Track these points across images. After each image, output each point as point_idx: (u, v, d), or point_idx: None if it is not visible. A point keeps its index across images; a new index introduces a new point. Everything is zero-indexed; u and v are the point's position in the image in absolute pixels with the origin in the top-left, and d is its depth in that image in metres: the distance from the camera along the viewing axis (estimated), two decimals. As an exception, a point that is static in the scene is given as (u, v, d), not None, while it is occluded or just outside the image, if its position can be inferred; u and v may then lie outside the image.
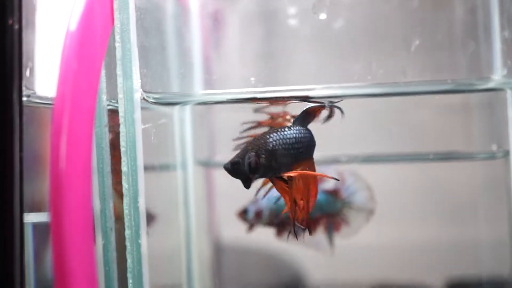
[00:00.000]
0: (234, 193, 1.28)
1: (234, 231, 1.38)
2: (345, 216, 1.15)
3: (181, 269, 1.22)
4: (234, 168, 0.86)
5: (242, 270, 1.45)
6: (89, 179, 0.76)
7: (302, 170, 0.88)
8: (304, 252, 1.19)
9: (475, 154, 1.26)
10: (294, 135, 0.89)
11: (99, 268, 0.89)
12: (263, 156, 0.87)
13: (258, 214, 1.15)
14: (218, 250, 1.45)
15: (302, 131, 0.90)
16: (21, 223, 0.77)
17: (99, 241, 0.90)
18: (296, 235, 0.89)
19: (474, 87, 0.99)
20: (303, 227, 0.88)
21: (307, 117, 0.91)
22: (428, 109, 1.30)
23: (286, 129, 0.90)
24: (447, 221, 1.38)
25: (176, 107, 1.14)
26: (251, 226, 1.17)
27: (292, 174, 0.87)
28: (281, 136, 0.88)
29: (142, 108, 0.91)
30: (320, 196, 1.12)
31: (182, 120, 1.18)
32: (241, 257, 1.47)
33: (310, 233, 0.89)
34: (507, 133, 0.99)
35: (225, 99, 1.00)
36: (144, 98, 0.92)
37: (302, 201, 0.87)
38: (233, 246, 1.47)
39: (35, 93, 0.92)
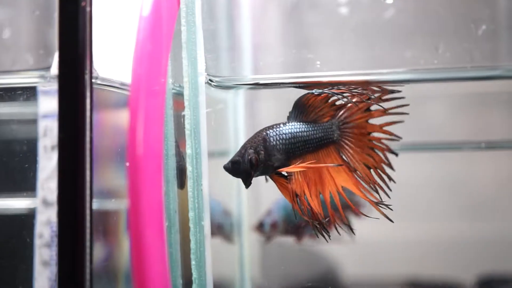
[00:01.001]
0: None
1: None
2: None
3: (234, 259, 1.22)
4: (235, 167, 0.88)
5: (280, 262, 1.46)
6: (161, 162, 0.77)
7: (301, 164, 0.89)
8: (338, 248, 1.19)
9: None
10: (290, 130, 0.90)
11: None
12: (262, 153, 0.88)
13: (274, 225, 1.17)
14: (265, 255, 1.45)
15: (298, 126, 0.90)
16: (91, 207, 0.78)
17: (165, 223, 0.90)
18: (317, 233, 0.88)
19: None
20: (314, 221, 0.88)
21: (301, 109, 0.91)
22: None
23: (281, 125, 0.90)
24: (479, 217, 1.38)
25: (230, 93, 1.15)
26: (268, 238, 1.18)
27: (289, 169, 0.88)
28: (277, 132, 0.89)
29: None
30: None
31: (236, 106, 1.18)
32: (280, 250, 1.47)
33: (324, 227, 0.88)
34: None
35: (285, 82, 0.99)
36: (208, 82, 0.93)
37: (306, 194, 0.88)
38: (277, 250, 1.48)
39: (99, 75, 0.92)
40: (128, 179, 0.72)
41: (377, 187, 0.91)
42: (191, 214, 0.89)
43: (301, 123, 0.91)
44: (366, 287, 1.22)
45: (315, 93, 0.89)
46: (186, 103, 0.90)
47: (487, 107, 1.34)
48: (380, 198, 0.91)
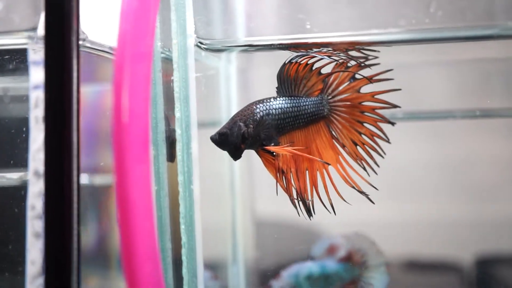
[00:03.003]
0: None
1: (270, 206, 1.38)
2: (366, 278, 1.15)
3: (227, 241, 1.22)
4: (222, 139, 0.87)
5: (278, 243, 1.45)
6: (147, 126, 0.75)
7: (291, 140, 0.89)
8: (336, 227, 1.18)
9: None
10: (280, 105, 0.88)
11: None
12: (251, 126, 0.87)
13: None
14: (258, 224, 1.44)
15: (288, 101, 0.89)
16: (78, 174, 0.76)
17: (153, 187, 0.89)
18: (296, 207, 0.88)
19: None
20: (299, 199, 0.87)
21: (287, 82, 0.89)
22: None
23: (272, 100, 0.89)
24: (477, 196, 1.36)
25: (223, 59, 1.13)
26: None
27: (276, 150, 0.87)
28: (267, 107, 0.88)
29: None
30: (337, 266, 1.13)
31: (228, 75, 1.17)
32: (276, 230, 1.46)
33: (305, 205, 0.88)
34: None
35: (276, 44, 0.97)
36: (197, 44, 0.91)
37: (291, 172, 0.87)
38: (270, 220, 1.46)
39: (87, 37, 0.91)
40: (113, 144, 0.71)
41: (364, 164, 0.90)
42: (180, 178, 0.88)
43: (291, 98, 0.89)
44: None
45: (293, 61, 0.87)
46: (174, 66, 0.89)
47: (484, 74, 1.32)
48: (368, 174, 0.89)
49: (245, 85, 1.24)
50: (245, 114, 0.88)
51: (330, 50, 0.90)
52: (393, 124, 0.90)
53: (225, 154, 0.97)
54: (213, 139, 0.87)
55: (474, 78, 1.31)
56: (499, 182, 1.33)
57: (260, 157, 0.89)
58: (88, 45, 0.90)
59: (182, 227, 0.88)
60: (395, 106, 0.90)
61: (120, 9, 0.75)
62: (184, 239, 0.88)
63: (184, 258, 0.88)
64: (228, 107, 1.16)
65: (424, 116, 1.32)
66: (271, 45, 0.94)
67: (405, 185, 1.35)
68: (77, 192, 0.75)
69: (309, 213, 0.88)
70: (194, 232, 0.89)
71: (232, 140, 0.86)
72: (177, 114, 0.88)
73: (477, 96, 1.33)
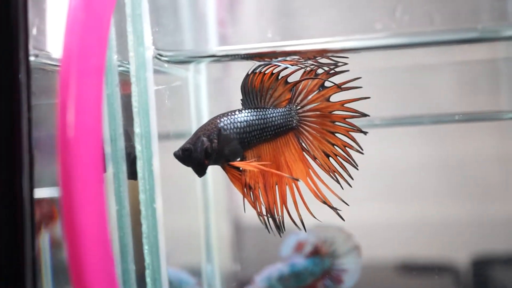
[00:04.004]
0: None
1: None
2: (338, 266, 1.13)
3: (200, 246, 1.18)
4: (186, 155, 0.83)
5: (263, 248, 1.42)
6: (99, 142, 0.71)
7: (258, 154, 0.85)
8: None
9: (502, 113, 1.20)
10: (245, 118, 0.84)
11: (113, 234, 0.86)
12: (215, 141, 0.83)
13: None
14: (238, 229, 1.42)
15: (254, 113, 0.85)
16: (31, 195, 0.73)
17: (113, 206, 0.86)
18: (268, 228, 0.84)
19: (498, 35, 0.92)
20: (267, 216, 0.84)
21: (253, 93, 0.85)
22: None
23: (237, 113, 0.85)
24: (473, 197, 1.34)
25: (191, 69, 1.10)
26: None
27: (242, 165, 0.83)
28: (231, 121, 0.84)
29: (155, 71, 0.87)
30: (306, 262, 1.13)
31: (198, 86, 1.13)
32: (261, 235, 1.44)
33: (275, 221, 0.84)
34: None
35: (241, 54, 0.94)
36: (156, 56, 0.88)
37: (259, 187, 0.84)
38: (254, 225, 1.44)
39: (48, 54, 0.87)
40: (59, 163, 0.67)
41: (337, 176, 0.85)
42: (141, 197, 0.85)
43: (257, 110, 0.85)
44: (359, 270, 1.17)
45: (256, 71, 0.84)
46: (132, 79, 0.85)
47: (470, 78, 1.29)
48: (341, 187, 0.85)
49: (218, 95, 1.21)
50: (208, 128, 0.84)
51: (296, 58, 0.86)
52: (365, 133, 0.85)
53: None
54: (176, 155, 0.84)
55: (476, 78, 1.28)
56: (495, 182, 1.31)
57: (226, 173, 0.85)
58: (47, 61, 0.87)
59: (146, 247, 0.85)
60: (364, 115, 0.86)
61: (66, 21, 0.71)
62: (148, 260, 0.85)
63: (148, 280, 0.85)
64: (198, 118, 1.13)
65: (418, 120, 1.28)
66: (235, 55, 0.91)
67: (399, 186, 1.34)
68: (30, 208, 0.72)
69: (279, 229, 0.84)
70: (158, 252, 0.85)
71: (195, 156, 0.83)
72: (137, 129, 0.85)
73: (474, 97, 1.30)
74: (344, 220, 0.84)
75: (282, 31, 0.90)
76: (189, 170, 0.87)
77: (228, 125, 0.84)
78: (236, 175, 0.84)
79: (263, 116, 0.85)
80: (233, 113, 0.85)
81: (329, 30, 0.88)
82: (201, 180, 1.15)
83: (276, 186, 0.85)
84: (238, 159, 0.85)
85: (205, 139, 0.83)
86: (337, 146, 0.86)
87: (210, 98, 1.15)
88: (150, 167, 0.85)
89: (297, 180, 0.84)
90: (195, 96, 1.12)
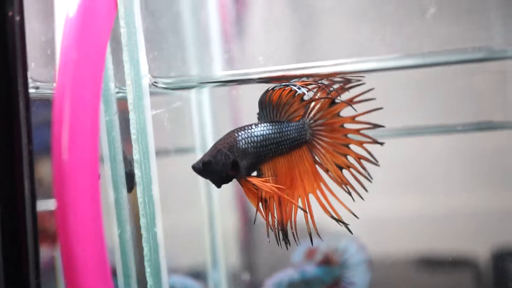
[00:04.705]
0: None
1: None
2: (347, 278, 1.13)
3: (205, 246, 1.20)
4: (206, 168, 0.83)
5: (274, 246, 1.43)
6: (95, 169, 0.74)
7: (274, 167, 0.85)
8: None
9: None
10: (262, 132, 0.85)
11: (116, 257, 0.89)
12: (236, 155, 0.84)
13: None
14: (250, 226, 1.43)
15: (270, 127, 0.85)
16: (34, 216, 0.76)
17: (115, 230, 0.88)
18: (278, 240, 0.85)
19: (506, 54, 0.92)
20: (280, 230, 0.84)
21: (269, 108, 0.86)
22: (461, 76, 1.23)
23: (253, 126, 0.85)
24: (492, 189, 1.33)
25: (193, 90, 1.11)
26: None
27: (261, 185, 0.83)
28: (248, 135, 0.84)
29: (154, 93, 0.89)
30: (316, 270, 1.13)
31: (200, 103, 1.15)
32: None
33: (286, 237, 0.84)
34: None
35: (242, 78, 0.96)
36: (153, 84, 0.90)
37: (274, 201, 0.84)
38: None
39: (49, 84, 0.90)
40: (55, 191, 0.70)
41: (350, 189, 0.86)
42: (142, 221, 0.87)
43: (273, 124, 0.86)
44: (378, 265, 1.18)
45: (276, 88, 0.84)
46: (130, 107, 0.87)
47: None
48: (353, 199, 0.85)
49: (223, 112, 1.22)
50: (228, 141, 0.84)
51: (311, 79, 0.87)
52: (381, 144, 0.86)
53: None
54: (195, 168, 0.83)
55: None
56: None
57: (241, 186, 0.85)
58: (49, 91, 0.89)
59: (148, 270, 0.87)
60: (377, 126, 0.86)
61: (59, 60, 0.74)
62: (150, 282, 0.87)
63: (151, 301, 0.87)
64: (202, 135, 1.15)
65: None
66: (241, 80, 0.92)
67: (416, 178, 1.33)
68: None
69: (286, 242, 0.85)
70: (160, 275, 0.87)
71: (216, 168, 0.83)
72: (136, 156, 0.87)
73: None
74: (352, 234, 0.85)
75: (294, 53, 0.91)
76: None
77: (246, 139, 0.85)
78: (251, 189, 0.84)
79: (279, 130, 0.86)
80: (250, 127, 0.86)
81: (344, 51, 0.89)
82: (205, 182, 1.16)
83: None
84: (254, 173, 0.86)
85: (226, 151, 0.84)
86: (351, 157, 0.86)
87: (213, 115, 1.17)
88: (149, 192, 0.87)
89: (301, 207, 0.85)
90: (198, 114, 1.14)
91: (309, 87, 0.84)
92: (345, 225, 0.85)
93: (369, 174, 0.86)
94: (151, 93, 0.89)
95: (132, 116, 0.87)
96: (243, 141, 0.84)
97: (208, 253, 1.20)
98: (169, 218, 0.90)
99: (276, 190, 0.83)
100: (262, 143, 0.85)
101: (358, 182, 0.86)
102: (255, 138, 0.85)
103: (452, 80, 1.22)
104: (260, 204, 0.84)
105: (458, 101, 1.28)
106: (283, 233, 0.84)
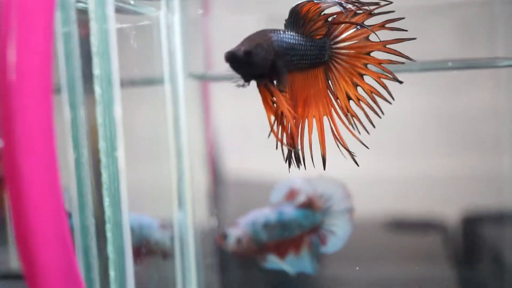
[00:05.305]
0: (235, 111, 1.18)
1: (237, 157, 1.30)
2: (328, 226, 1.06)
3: (172, 197, 1.12)
4: (244, 59, 0.73)
5: (243, 201, 1.37)
6: (48, 89, 0.64)
7: (291, 81, 0.79)
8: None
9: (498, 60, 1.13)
10: (290, 40, 0.77)
11: (71, 182, 0.79)
12: (272, 52, 0.75)
13: (238, 241, 1.07)
14: (218, 179, 1.37)
15: (298, 37, 0.78)
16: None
17: (71, 155, 0.79)
18: (289, 158, 0.78)
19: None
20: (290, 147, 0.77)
21: (297, 18, 0.78)
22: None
23: (282, 33, 0.78)
24: (465, 153, 1.30)
25: (162, 8, 1.01)
26: (230, 251, 1.09)
27: (277, 97, 0.76)
28: (281, 38, 0.77)
29: (119, 8, 0.80)
30: (295, 213, 1.05)
31: (170, 26, 1.05)
32: (242, 186, 1.39)
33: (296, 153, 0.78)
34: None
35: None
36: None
37: (289, 116, 0.77)
38: (236, 176, 1.39)
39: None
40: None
41: (355, 120, 0.79)
42: (102, 144, 0.78)
43: (299, 35, 0.78)
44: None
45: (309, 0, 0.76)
46: (91, 16, 0.77)
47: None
48: (359, 132, 0.79)
49: (196, 37, 1.13)
50: (265, 39, 0.75)
51: None
52: (400, 82, 0.79)
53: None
54: (233, 54, 0.73)
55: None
56: (489, 135, 1.28)
57: (260, 93, 0.77)
58: None
59: (106, 199, 0.78)
60: (409, 59, 0.78)
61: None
62: (108, 213, 0.78)
63: (109, 234, 0.78)
64: (172, 63, 1.05)
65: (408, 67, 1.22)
66: None
67: (390, 139, 1.28)
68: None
69: (299, 161, 0.78)
70: (120, 205, 0.79)
71: (256, 61, 0.74)
72: (96, 71, 0.77)
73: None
74: (358, 166, 0.79)
75: None
76: (159, 117, 0.80)
77: (279, 41, 0.76)
78: (269, 100, 0.77)
79: (304, 42, 0.79)
80: (279, 32, 0.77)
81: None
82: (174, 126, 1.07)
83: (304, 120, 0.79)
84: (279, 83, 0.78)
85: (266, 47, 0.74)
86: (363, 89, 0.80)
87: (185, 40, 1.07)
88: (111, 112, 0.78)
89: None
90: (168, 38, 1.04)
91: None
92: (352, 154, 0.79)
93: (381, 110, 0.80)
94: (117, 10, 0.80)
95: (93, 26, 0.77)
96: (276, 42, 0.76)
97: (175, 200, 1.12)
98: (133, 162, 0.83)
99: (292, 111, 0.77)
100: (290, 51, 0.77)
101: (366, 116, 0.79)
102: (285, 44, 0.77)
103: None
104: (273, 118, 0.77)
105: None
106: (295, 153, 0.78)
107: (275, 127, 0.77)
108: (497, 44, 1.17)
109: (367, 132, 0.79)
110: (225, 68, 0.74)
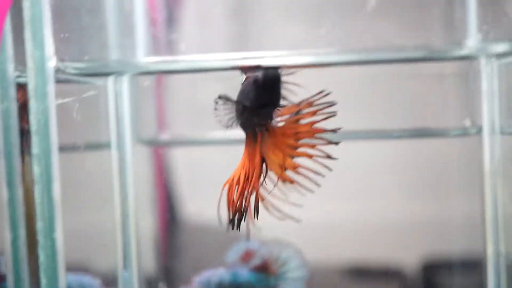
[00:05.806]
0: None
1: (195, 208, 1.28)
2: None
3: (117, 249, 1.09)
4: (279, 79, 0.74)
5: (201, 249, 1.36)
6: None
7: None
8: (275, 231, 1.10)
9: (448, 130, 1.15)
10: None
11: (7, 265, 0.77)
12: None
13: None
14: (172, 229, 1.34)
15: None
16: None
17: (7, 235, 0.77)
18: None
19: (446, 54, 0.87)
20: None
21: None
22: (398, 79, 1.19)
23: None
24: (424, 199, 1.32)
25: (110, 78, 1.00)
26: None
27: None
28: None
29: (62, 81, 0.79)
30: (250, 276, 1.05)
31: (119, 92, 1.04)
32: (197, 235, 1.38)
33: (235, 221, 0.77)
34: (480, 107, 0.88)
35: (168, 69, 0.87)
36: (59, 68, 0.79)
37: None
38: (191, 224, 1.38)
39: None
40: None
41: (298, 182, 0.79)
42: (39, 225, 0.76)
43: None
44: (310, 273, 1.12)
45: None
46: (31, 93, 0.76)
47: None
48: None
49: (147, 105, 1.13)
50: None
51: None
52: (337, 144, 0.79)
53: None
54: (273, 74, 0.74)
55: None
56: (448, 182, 1.27)
57: (252, 141, 0.79)
58: None
59: (43, 281, 0.76)
60: (334, 131, 0.79)
61: None
62: (46, 293, 0.76)
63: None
64: (119, 126, 1.04)
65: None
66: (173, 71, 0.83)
67: (349, 185, 1.29)
68: None
69: (234, 225, 0.78)
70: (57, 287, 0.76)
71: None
72: (35, 150, 0.76)
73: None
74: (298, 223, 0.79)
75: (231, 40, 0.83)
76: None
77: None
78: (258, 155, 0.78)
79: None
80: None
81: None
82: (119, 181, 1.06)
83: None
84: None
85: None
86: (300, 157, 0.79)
87: (133, 108, 1.06)
88: (49, 192, 0.76)
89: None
90: (116, 105, 1.03)
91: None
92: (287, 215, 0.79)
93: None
94: (61, 81, 0.79)
95: (32, 105, 0.75)
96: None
97: (120, 254, 1.09)
98: (79, 218, 0.80)
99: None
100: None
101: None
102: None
103: (391, 82, 1.17)
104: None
105: (395, 106, 1.24)
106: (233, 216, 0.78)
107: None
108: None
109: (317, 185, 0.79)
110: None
